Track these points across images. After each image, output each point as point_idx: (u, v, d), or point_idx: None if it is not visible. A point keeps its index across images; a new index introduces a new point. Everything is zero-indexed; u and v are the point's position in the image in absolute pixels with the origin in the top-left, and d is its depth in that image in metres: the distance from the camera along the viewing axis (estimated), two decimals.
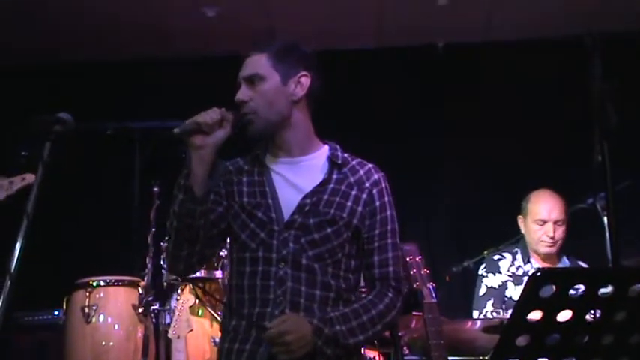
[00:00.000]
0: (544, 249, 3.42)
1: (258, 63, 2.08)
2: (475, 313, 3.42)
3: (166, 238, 2.12)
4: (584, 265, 3.49)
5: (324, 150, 2.15)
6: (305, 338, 1.89)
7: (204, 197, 1.98)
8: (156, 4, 4.83)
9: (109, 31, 5.03)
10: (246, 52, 2.13)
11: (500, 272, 3.44)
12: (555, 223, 3.41)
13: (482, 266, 3.51)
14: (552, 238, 3.39)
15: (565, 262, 3.50)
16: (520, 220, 3.53)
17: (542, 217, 3.42)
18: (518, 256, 3.47)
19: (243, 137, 2.06)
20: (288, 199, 2.05)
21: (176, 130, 1.97)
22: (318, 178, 2.08)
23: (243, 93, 2.06)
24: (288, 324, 1.89)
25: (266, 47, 2.11)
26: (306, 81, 2.10)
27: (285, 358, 1.88)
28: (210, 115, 1.97)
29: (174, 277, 3.47)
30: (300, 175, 2.09)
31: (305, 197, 2.04)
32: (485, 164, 5.02)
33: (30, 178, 3.67)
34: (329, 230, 2.01)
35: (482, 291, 3.44)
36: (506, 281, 3.42)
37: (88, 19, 4.90)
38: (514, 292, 3.40)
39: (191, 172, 1.97)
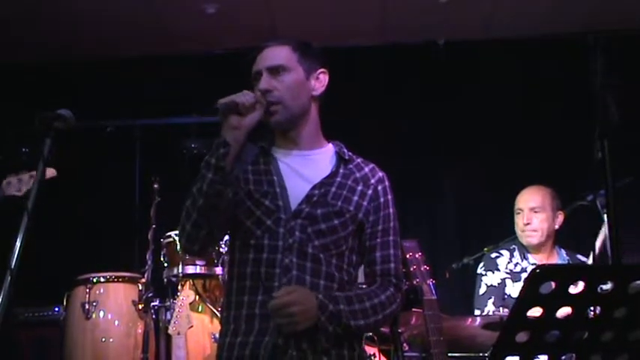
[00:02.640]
0: (525, 239, 3.46)
1: (283, 54, 2.09)
2: (476, 312, 3.43)
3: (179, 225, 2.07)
4: (583, 259, 3.49)
5: (330, 147, 2.18)
6: (310, 312, 1.89)
7: (233, 179, 1.99)
8: (157, 1, 4.82)
9: (109, 28, 5.03)
10: (262, 44, 2.12)
11: (498, 270, 3.45)
12: (532, 210, 3.44)
13: (481, 265, 3.52)
14: (526, 224, 3.42)
15: (563, 256, 3.51)
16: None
17: (518, 205, 3.50)
18: (516, 253, 3.48)
19: (265, 126, 2.06)
20: (296, 188, 2.05)
21: (219, 104, 1.95)
22: (326, 170, 2.10)
23: (267, 82, 2.06)
24: (295, 295, 1.89)
25: (288, 40, 2.13)
26: (324, 78, 2.14)
27: (289, 330, 1.89)
28: (247, 97, 1.98)
29: (174, 273, 3.48)
30: (308, 166, 2.10)
31: (313, 187, 2.05)
32: (486, 161, 5.01)
33: (51, 172, 3.66)
34: (336, 222, 2.02)
35: (482, 290, 3.45)
36: (504, 279, 3.43)
37: (89, 16, 4.90)
38: (512, 289, 3.40)
39: (227, 152, 1.95)
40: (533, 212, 3.44)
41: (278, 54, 2.09)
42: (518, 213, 3.49)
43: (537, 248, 3.46)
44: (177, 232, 3.48)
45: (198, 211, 1.96)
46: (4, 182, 3.19)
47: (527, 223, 3.43)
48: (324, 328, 1.92)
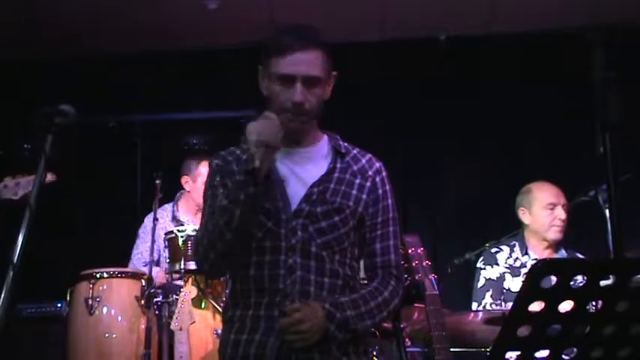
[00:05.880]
0: (555, 235, 3.45)
1: (319, 64, 2.01)
2: (474, 305, 3.45)
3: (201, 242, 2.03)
4: (582, 257, 3.50)
5: (325, 140, 2.16)
6: (318, 325, 1.90)
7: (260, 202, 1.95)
8: None
9: (109, 24, 5.03)
10: (292, 40, 2.00)
11: (497, 264, 3.47)
12: (563, 206, 3.46)
13: (481, 259, 3.54)
14: (563, 220, 3.43)
15: (563, 255, 3.51)
16: (522, 211, 3.54)
17: (553, 200, 3.47)
18: (516, 248, 3.49)
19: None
20: (295, 187, 2.04)
21: (257, 164, 1.83)
22: (323, 166, 2.09)
23: (303, 95, 1.98)
24: (302, 314, 1.89)
25: (320, 43, 2.03)
26: (333, 80, 2.10)
27: (301, 346, 1.89)
28: (275, 130, 1.89)
29: (176, 269, 3.48)
30: (305, 164, 2.09)
31: (312, 186, 2.04)
32: (488, 157, 5.01)
33: (51, 177, 3.65)
34: (336, 218, 2.02)
35: (480, 283, 3.47)
36: (504, 273, 3.44)
37: (89, 12, 4.90)
38: (512, 283, 3.42)
39: (260, 191, 1.89)
40: (564, 208, 3.46)
41: (314, 62, 2.00)
42: (551, 208, 3.46)
43: (557, 244, 3.48)
44: (179, 228, 3.51)
45: (225, 244, 1.92)
46: (0, 185, 3.14)
47: (564, 219, 3.44)
48: (335, 337, 1.92)
